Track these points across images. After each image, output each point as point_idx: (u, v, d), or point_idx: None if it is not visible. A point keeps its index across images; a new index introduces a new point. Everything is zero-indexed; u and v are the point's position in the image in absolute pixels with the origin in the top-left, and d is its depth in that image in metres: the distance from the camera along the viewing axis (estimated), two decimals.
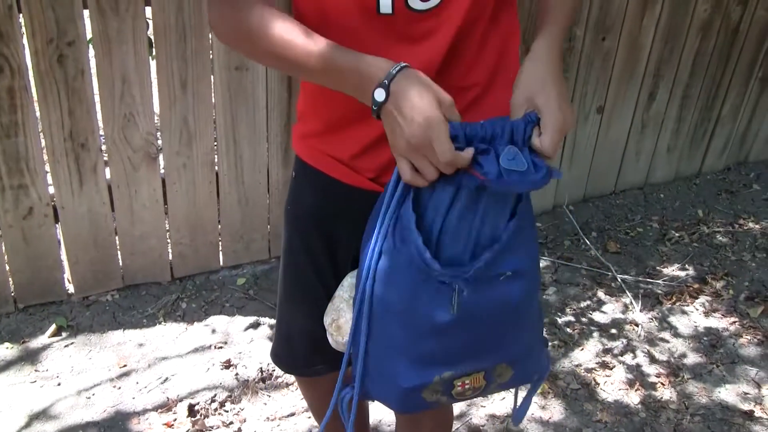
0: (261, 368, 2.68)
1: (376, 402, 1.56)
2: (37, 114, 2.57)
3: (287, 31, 1.26)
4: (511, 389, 1.55)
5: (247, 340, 2.80)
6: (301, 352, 1.76)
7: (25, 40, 2.45)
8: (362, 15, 1.29)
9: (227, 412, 2.53)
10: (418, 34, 1.31)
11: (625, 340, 2.94)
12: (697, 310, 3.13)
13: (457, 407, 2.57)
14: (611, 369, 2.80)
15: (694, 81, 3.79)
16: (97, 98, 2.62)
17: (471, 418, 2.55)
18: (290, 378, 2.66)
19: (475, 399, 2.61)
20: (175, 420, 2.48)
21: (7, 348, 2.69)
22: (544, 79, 1.26)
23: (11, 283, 2.81)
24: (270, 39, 1.27)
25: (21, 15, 2.41)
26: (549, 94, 1.24)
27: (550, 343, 2.89)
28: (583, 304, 3.13)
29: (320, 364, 1.74)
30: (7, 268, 2.77)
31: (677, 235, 3.62)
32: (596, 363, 2.82)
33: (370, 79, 1.21)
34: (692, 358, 2.88)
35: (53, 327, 2.77)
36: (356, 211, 1.46)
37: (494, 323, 1.36)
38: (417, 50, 1.32)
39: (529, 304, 1.39)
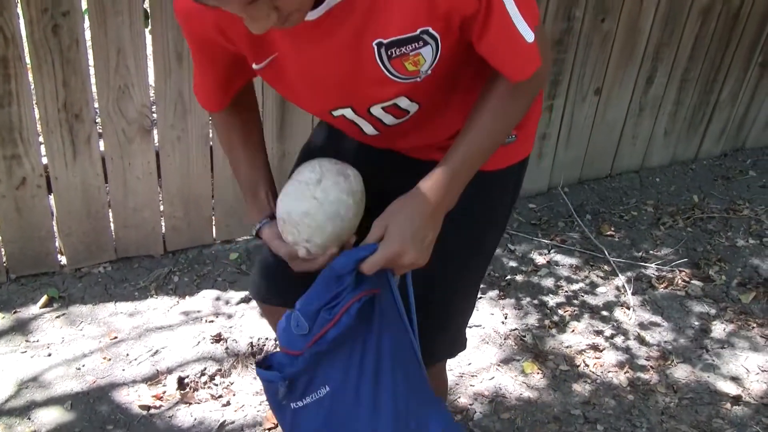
0: (251, 342, 2.68)
1: None
2: (31, 84, 2.56)
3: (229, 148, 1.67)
4: None
5: (239, 315, 2.80)
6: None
7: (19, 9, 2.43)
8: (357, 136, 1.55)
9: (217, 385, 2.53)
10: (405, 130, 1.50)
11: (616, 323, 2.95)
12: (689, 294, 3.13)
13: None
14: (601, 351, 2.81)
15: (693, 65, 3.78)
16: (91, 69, 2.61)
17: (459, 397, 2.56)
18: None
19: (464, 377, 2.62)
20: (164, 392, 2.48)
21: None
22: (405, 214, 1.35)
23: (3, 253, 2.81)
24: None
25: None
26: (397, 229, 1.34)
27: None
28: (575, 286, 3.13)
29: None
30: (0, 238, 2.77)
31: (672, 219, 3.62)
32: (586, 345, 2.83)
33: (251, 218, 1.61)
34: (682, 343, 2.88)
35: (45, 298, 2.77)
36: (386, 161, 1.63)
37: None
38: (408, 138, 1.54)
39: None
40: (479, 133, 1.38)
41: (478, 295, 1.88)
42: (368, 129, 1.49)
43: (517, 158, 1.62)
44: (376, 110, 1.42)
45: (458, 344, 1.81)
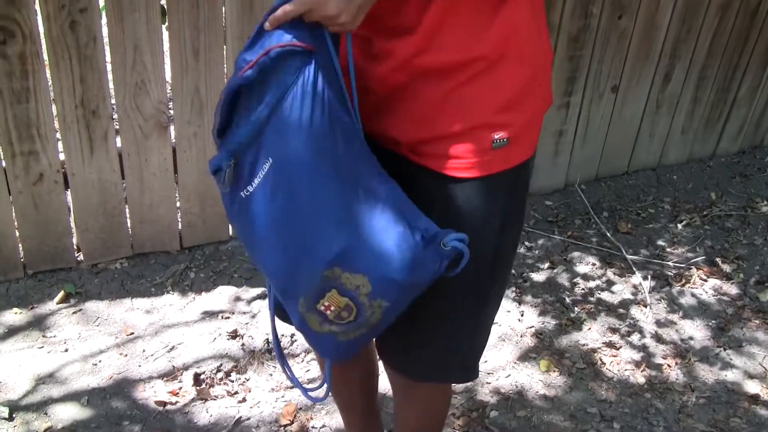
0: (267, 339, 2.68)
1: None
2: (49, 80, 2.57)
3: None
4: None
5: (254, 311, 2.80)
6: None
7: (37, 6, 2.44)
8: None
9: (233, 381, 2.54)
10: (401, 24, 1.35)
11: (632, 321, 2.94)
12: (706, 292, 3.12)
13: (462, 384, 2.57)
14: (618, 349, 2.79)
15: (710, 62, 3.76)
16: (108, 66, 2.62)
17: (475, 395, 2.55)
18: (296, 350, 2.66)
19: (480, 375, 2.61)
20: (180, 388, 2.49)
21: (15, 313, 2.70)
22: None
23: (21, 249, 2.82)
24: None
25: None
26: None
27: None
28: (591, 284, 3.12)
29: None
30: (17, 234, 2.78)
31: (689, 217, 3.60)
32: (603, 342, 2.81)
33: None
34: (700, 341, 2.87)
35: (61, 293, 2.78)
36: None
37: (267, 219, 1.37)
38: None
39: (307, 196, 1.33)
40: None
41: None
42: None
43: (508, 164, 1.47)
44: None
45: (455, 368, 1.68)
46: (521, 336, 2.81)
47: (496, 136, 1.41)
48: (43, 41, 2.49)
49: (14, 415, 2.34)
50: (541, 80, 1.49)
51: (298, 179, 1.30)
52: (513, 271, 3.12)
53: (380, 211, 1.34)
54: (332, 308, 1.40)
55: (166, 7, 2.61)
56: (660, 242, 3.41)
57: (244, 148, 1.32)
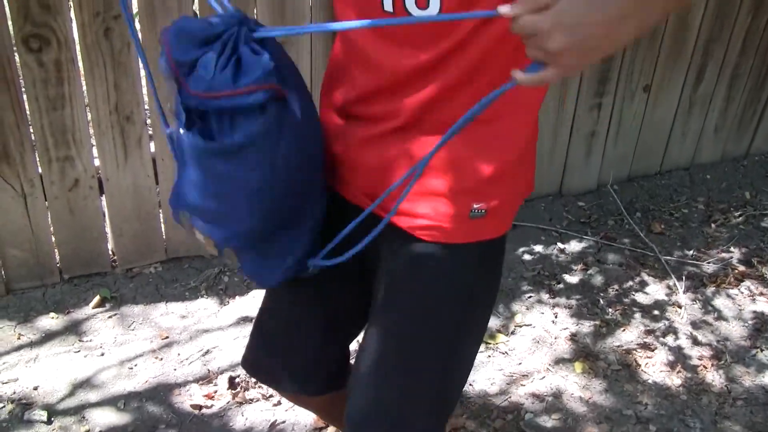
0: None
1: None
2: (84, 87, 2.59)
3: None
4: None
5: None
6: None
7: (72, 14, 2.46)
8: (369, 11, 1.27)
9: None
10: (416, 40, 1.26)
11: (667, 322, 2.91)
12: (742, 293, 3.09)
13: (497, 386, 2.56)
14: (653, 350, 2.78)
15: (743, 60, 3.72)
16: (142, 71, 2.64)
17: (510, 397, 2.55)
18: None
19: (515, 377, 2.61)
20: (215, 392, 2.50)
21: (52, 318, 2.73)
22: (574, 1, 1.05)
23: (57, 253, 2.84)
24: None
25: None
26: (558, 6, 1.02)
27: (588, 324, 2.88)
28: (625, 285, 3.10)
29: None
30: (53, 239, 2.81)
31: (723, 216, 3.57)
32: (638, 344, 2.80)
33: None
34: (736, 342, 2.84)
35: (97, 298, 2.80)
36: None
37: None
38: (407, 53, 1.27)
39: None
40: None
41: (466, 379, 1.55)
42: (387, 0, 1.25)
43: (480, 237, 1.40)
44: None
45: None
46: (555, 338, 2.80)
47: (475, 206, 1.35)
48: (78, 48, 2.51)
49: (53, 419, 2.37)
50: (529, 164, 1.44)
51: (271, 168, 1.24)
52: (546, 273, 3.11)
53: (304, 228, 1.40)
54: None
55: (198, 12, 2.63)
56: (694, 242, 3.39)
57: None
